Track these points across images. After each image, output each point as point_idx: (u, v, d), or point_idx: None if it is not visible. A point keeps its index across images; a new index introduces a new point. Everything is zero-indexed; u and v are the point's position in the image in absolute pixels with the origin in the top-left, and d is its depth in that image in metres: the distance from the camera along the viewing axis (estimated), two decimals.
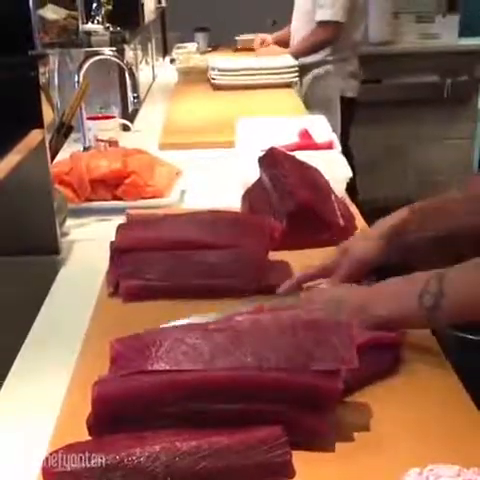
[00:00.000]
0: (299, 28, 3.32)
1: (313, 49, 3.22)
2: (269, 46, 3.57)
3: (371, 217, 1.40)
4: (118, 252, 1.17)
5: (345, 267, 1.04)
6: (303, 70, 3.16)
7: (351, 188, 1.52)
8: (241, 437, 0.69)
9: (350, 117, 3.34)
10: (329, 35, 3.18)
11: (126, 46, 2.35)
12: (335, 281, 1.04)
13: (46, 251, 1.27)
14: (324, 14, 3.14)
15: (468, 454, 0.71)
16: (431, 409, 0.80)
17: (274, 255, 1.18)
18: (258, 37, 3.65)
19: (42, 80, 1.18)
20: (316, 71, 3.26)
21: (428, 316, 0.85)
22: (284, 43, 3.51)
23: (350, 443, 0.75)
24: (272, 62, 3.01)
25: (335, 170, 1.42)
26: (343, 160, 1.50)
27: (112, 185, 1.51)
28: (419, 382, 0.85)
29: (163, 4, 4.10)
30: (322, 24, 3.17)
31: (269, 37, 3.64)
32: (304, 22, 3.27)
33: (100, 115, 1.96)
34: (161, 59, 3.89)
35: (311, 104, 2.92)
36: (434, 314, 0.85)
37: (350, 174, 1.46)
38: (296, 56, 3.11)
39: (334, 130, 1.75)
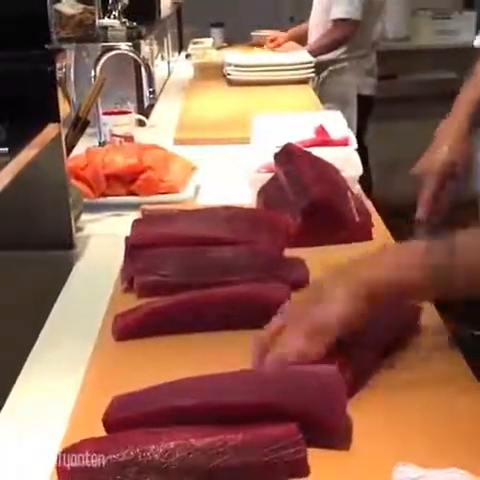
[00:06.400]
0: (317, 25, 3.31)
1: (329, 47, 3.22)
2: (286, 43, 3.56)
3: (385, 213, 1.40)
4: (133, 248, 1.17)
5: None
6: (320, 67, 3.15)
7: (366, 184, 1.51)
8: (256, 434, 0.69)
9: (366, 114, 3.33)
10: (345, 33, 3.17)
11: (142, 41, 2.35)
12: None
13: (61, 246, 1.27)
14: (340, 12, 3.13)
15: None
16: (448, 412, 0.80)
17: (290, 252, 1.17)
18: (270, 34, 3.64)
19: (59, 75, 1.18)
20: (332, 68, 3.26)
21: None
22: (301, 39, 3.50)
23: (366, 441, 0.74)
24: (288, 58, 3.01)
25: (346, 168, 1.40)
26: (356, 158, 1.49)
27: (127, 180, 1.51)
28: (435, 377, 0.85)
29: None
30: (338, 22, 3.16)
31: (282, 34, 3.63)
32: (322, 19, 3.26)
33: (116, 110, 1.97)
34: (177, 54, 3.88)
35: (327, 100, 2.91)
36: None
37: (360, 172, 1.44)
38: (313, 54, 3.09)
39: (350, 127, 1.74)
